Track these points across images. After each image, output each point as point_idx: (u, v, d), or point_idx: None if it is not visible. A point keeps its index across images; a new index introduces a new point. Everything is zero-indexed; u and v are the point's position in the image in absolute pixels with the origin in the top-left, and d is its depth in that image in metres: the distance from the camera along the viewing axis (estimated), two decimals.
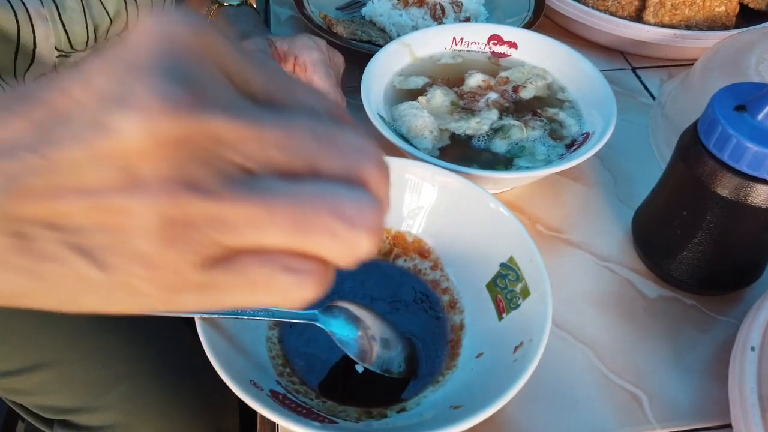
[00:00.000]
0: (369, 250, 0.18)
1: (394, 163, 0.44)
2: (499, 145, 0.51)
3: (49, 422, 0.62)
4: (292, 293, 0.18)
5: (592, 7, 0.68)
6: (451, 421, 0.31)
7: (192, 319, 0.34)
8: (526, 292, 0.38)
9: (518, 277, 0.39)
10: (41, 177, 0.16)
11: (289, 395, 0.36)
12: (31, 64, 0.47)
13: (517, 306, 0.38)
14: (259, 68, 0.18)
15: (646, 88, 0.67)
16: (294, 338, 0.41)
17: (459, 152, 0.50)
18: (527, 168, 0.49)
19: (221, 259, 0.17)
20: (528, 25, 0.66)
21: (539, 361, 0.42)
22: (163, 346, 0.60)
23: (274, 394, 0.34)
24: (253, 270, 0.17)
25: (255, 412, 0.32)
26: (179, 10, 0.17)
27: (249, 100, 0.18)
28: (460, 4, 0.67)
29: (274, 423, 0.39)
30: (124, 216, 0.16)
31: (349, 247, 0.18)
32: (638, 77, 0.68)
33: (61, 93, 0.16)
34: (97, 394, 0.57)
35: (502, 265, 0.41)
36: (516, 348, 0.36)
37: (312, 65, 0.50)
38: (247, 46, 0.42)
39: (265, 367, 0.38)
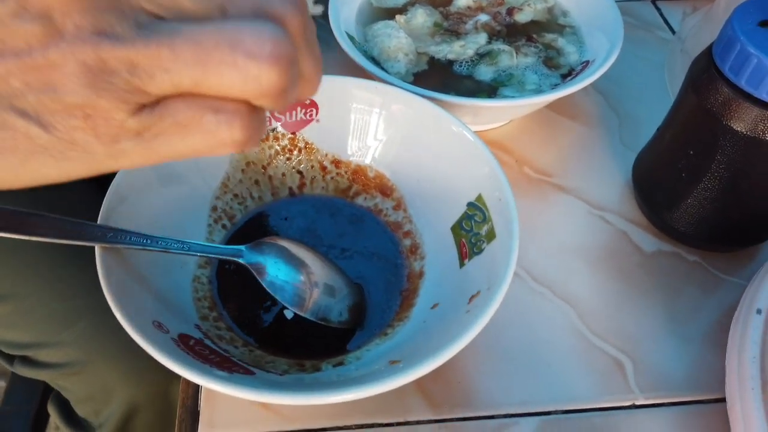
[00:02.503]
0: (274, 81, 0.18)
1: (356, 84, 0.38)
2: (484, 72, 0.44)
3: (10, 358, 0.59)
4: (221, 133, 0.19)
5: None
6: (381, 377, 0.26)
7: None
8: (491, 235, 0.32)
9: (485, 218, 0.33)
10: None
11: (206, 340, 0.31)
12: None
13: (481, 251, 0.33)
14: None
15: (666, 21, 0.59)
16: (228, 280, 0.35)
17: (436, 79, 0.44)
18: (513, 98, 0.42)
19: (150, 105, 0.18)
20: None
21: (510, 316, 0.37)
22: None
23: (183, 339, 0.29)
24: (180, 112, 0.19)
25: None
26: None
27: None
28: None
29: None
30: (51, 71, 0.17)
31: (253, 78, 0.18)
32: (658, 9, 0.60)
33: None
34: (56, 330, 0.55)
35: (470, 204, 0.35)
36: (471, 298, 0.30)
37: None
38: None
39: (184, 309, 0.33)
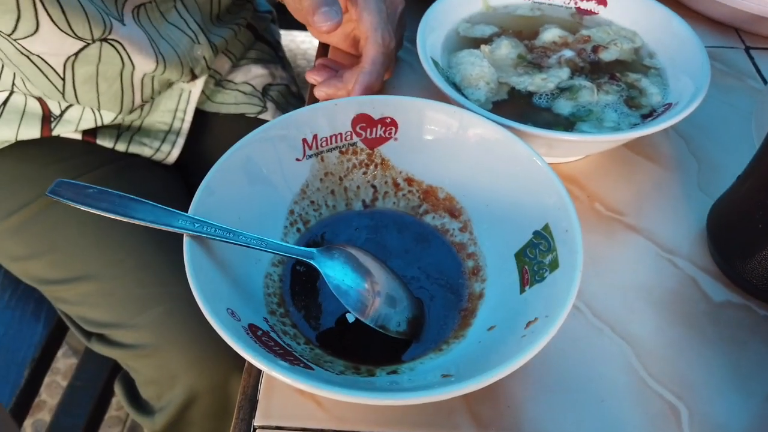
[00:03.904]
0: None
1: (435, 107, 0.40)
2: (563, 106, 0.45)
3: (88, 335, 0.63)
4: None
5: None
6: (433, 387, 0.27)
7: None
8: (555, 265, 0.33)
9: (550, 248, 0.34)
10: None
11: (272, 333, 0.33)
12: None
13: (543, 279, 0.33)
14: None
15: (758, 70, 0.57)
16: (297, 280, 0.38)
17: (515, 109, 0.45)
18: (590, 133, 0.43)
19: None
20: None
21: (567, 349, 0.37)
22: None
23: (252, 328, 0.31)
24: None
25: None
26: None
27: None
28: None
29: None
30: None
31: None
32: (751, 58, 0.59)
33: None
34: (132, 313, 0.58)
35: (536, 233, 0.35)
36: (529, 323, 0.31)
37: None
38: None
39: (256, 301, 0.35)
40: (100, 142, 0.63)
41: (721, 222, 0.41)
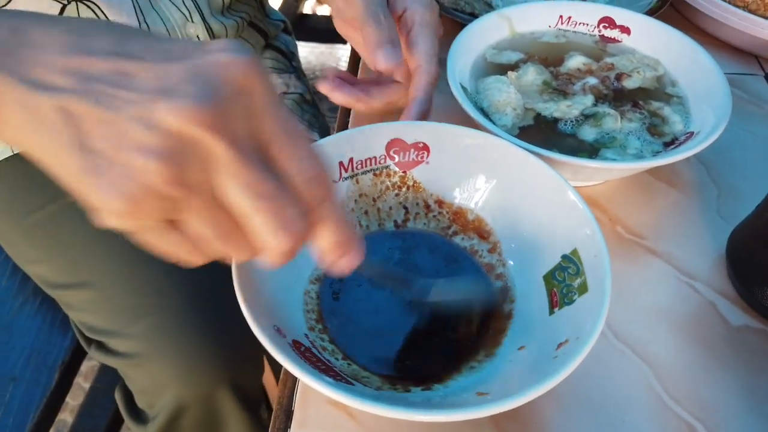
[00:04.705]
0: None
1: (465, 133, 0.42)
2: (588, 132, 0.46)
3: (89, 341, 0.65)
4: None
5: (728, 2, 0.61)
6: (469, 406, 0.28)
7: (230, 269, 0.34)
8: (583, 289, 0.34)
9: (578, 272, 0.36)
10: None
11: (313, 349, 0.34)
12: None
13: (572, 302, 0.35)
14: (277, 124, 0.25)
15: None
16: (334, 298, 0.39)
17: (541, 134, 0.46)
18: (614, 161, 0.44)
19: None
20: (650, 12, 0.60)
21: (589, 370, 0.38)
22: (197, 288, 0.61)
23: (295, 344, 0.33)
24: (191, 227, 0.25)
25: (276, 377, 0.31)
26: (245, 47, 0.24)
27: (254, 144, 0.24)
28: None
29: (295, 378, 0.39)
30: (126, 138, 0.22)
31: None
32: None
33: (144, 66, 0.23)
34: (127, 321, 0.59)
35: (564, 257, 0.37)
36: (560, 345, 0.32)
37: (420, 25, 0.45)
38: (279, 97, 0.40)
39: (297, 318, 0.37)
40: None
41: (741, 248, 0.42)
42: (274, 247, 0.25)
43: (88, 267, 0.61)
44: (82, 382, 1.14)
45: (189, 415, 0.62)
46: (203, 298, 0.60)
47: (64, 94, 0.23)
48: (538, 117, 0.48)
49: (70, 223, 0.62)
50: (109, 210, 0.23)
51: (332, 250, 0.27)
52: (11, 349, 0.70)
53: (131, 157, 0.22)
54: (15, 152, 0.64)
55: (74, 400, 1.12)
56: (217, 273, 0.63)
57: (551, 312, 0.36)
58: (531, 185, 0.40)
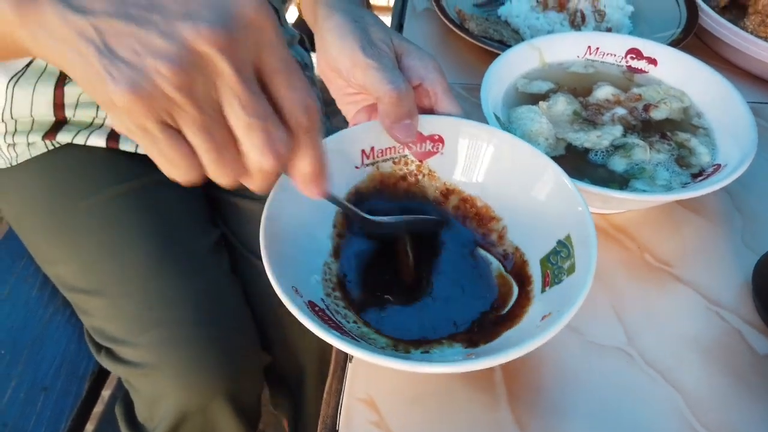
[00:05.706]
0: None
1: (474, 126, 0.44)
2: (618, 163, 0.48)
3: (99, 347, 0.67)
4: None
5: (752, 33, 0.62)
6: (457, 362, 0.32)
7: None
8: (571, 270, 0.37)
9: (569, 255, 0.38)
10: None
11: (327, 311, 0.37)
12: None
13: (560, 281, 0.38)
14: (278, 58, 0.29)
15: None
16: (353, 271, 0.42)
17: (572, 164, 0.48)
18: (643, 191, 0.46)
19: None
20: (674, 43, 0.61)
21: (621, 394, 0.40)
22: (204, 302, 0.63)
23: (311, 305, 0.36)
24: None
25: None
26: None
27: (255, 72, 0.29)
28: (603, 12, 0.64)
29: (339, 398, 0.40)
30: (147, 45, 0.27)
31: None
32: None
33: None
34: (137, 331, 0.62)
35: (559, 242, 0.40)
36: (544, 317, 0.35)
37: (442, 94, 0.45)
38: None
39: (315, 284, 0.39)
40: (122, 147, 0.66)
41: (767, 277, 0.43)
42: (258, 166, 0.29)
43: (103, 274, 0.63)
44: (103, 391, 1.16)
45: (188, 426, 0.64)
46: (209, 312, 0.63)
47: (102, 15, 0.27)
48: (569, 147, 0.50)
49: (87, 227, 0.64)
50: (118, 102, 0.27)
51: (303, 180, 0.32)
52: (42, 360, 0.72)
53: (148, 60, 0.26)
54: (48, 149, 0.65)
55: (96, 407, 1.13)
56: (223, 288, 0.65)
57: (543, 290, 0.39)
58: (534, 177, 0.42)
